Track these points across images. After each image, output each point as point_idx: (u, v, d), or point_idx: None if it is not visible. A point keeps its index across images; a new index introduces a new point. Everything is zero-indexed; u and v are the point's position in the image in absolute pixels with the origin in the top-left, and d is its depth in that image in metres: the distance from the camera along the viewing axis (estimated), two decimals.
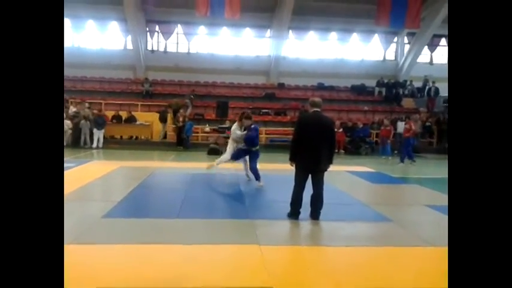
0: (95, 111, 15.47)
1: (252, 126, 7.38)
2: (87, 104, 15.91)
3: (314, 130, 4.84)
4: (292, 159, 5.02)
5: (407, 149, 12.29)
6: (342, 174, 9.29)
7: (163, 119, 16.46)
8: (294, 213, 5.01)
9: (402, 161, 12.18)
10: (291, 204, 5.03)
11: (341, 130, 16.02)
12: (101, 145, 14.49)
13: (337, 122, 16.56)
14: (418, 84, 21.67)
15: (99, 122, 14.58)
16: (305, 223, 4.93)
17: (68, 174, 8.03)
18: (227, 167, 8.75)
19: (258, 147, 7.43)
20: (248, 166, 7.53)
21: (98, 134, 14.50)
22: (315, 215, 5.00)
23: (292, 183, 5.07)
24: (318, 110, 4.99)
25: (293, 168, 5.07)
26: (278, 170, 8.92)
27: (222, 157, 8.01)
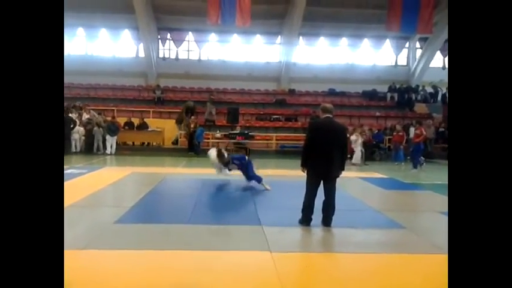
0: (108, 118, 15.67)
1: (235, 161, 7.78)
2: (91, 111, 16.05)
3: (326, 136, 4.83)
4: (304, 165, 4.99)
5: (417, 154, 12.25)
6: (355, 180, 9.20)
7: (179, 121, 16.60)
8: (305, 220, 4.97)
9: (415, 166, 12.07)
10: (303, 210, 5.00)
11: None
12: (113, 151, 14.66)
13: (366, 128, 16.41)
14: (430, 89, 21.44)
15: (112, 128, 14.75)
16: (317, 230, 4.89)
17: (80, 181, 8.13)
18: (239, 173, 8.73)
19: (246, 159, 7.88)
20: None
21: (111, 141, 14.68)
22: (326, 221, 4.95)
23: (303, 190, 5.04)
24: (330, 115, 4.98)
25: (304, 174, 5.04)
26: (289, 176, 8.89)
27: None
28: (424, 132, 12.67)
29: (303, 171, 5.03)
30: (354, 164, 12.89)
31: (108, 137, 14.65)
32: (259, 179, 7.52)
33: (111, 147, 14.65)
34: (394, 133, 14.69)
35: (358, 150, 13.30)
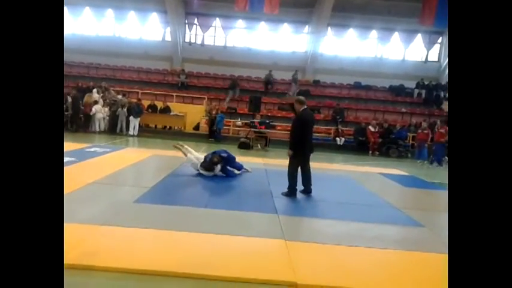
0: (133, 100, 15.92)
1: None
2: (112, 92, 16.24)
3: (311, 124, 6.12)
4: (293, 149, 5.92)
5: (441, 152, 12.15)
6: (374, 176, 9.07)
7: (232, 87, 17.75)
8: (293, 194, 5.94)
9: (440, 164, 12.07)
10: (292, 190, 5.91)
11: (376, 130, 15.64)
12: (136, 133, 14.92)
13: (374, 122, 16.11)
14: None
15: (136, 110, 15.01)
16: (332, 222, 4.85)
17: (103, 159, 8.34)
18: (257, 162, 8.73)
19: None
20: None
21: (134, 122, 14.94)
22: (309, 189, 6.01)
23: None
24: (306, 106, 5.98)
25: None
26: None
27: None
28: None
29: (289, 154, 5.94)
30: None
31: (131, 118, 14.91)
32: (241, 167, 7.90)
33: (134, 128, 14.91)
34: (419, 131, 14.31)
35: None
